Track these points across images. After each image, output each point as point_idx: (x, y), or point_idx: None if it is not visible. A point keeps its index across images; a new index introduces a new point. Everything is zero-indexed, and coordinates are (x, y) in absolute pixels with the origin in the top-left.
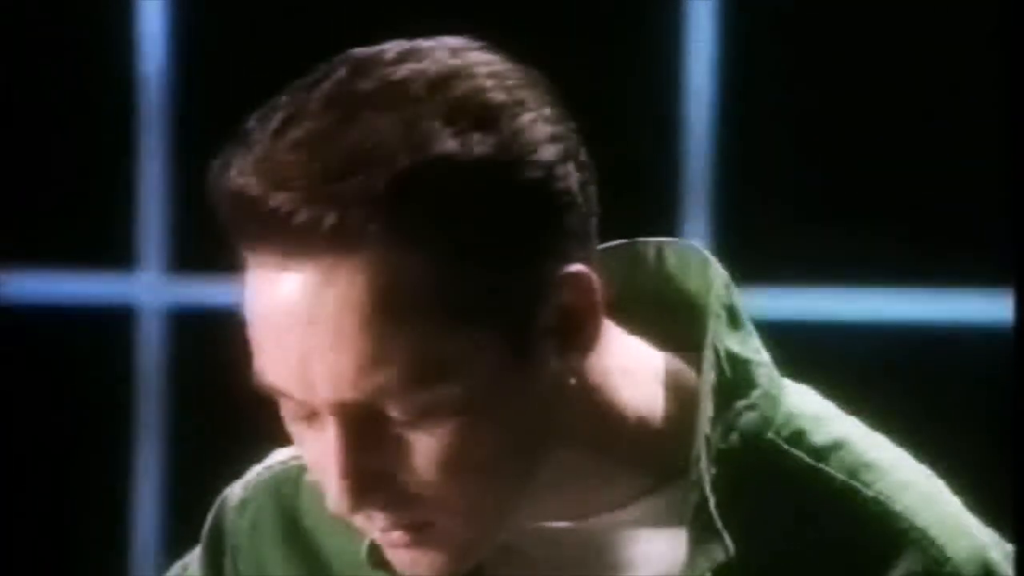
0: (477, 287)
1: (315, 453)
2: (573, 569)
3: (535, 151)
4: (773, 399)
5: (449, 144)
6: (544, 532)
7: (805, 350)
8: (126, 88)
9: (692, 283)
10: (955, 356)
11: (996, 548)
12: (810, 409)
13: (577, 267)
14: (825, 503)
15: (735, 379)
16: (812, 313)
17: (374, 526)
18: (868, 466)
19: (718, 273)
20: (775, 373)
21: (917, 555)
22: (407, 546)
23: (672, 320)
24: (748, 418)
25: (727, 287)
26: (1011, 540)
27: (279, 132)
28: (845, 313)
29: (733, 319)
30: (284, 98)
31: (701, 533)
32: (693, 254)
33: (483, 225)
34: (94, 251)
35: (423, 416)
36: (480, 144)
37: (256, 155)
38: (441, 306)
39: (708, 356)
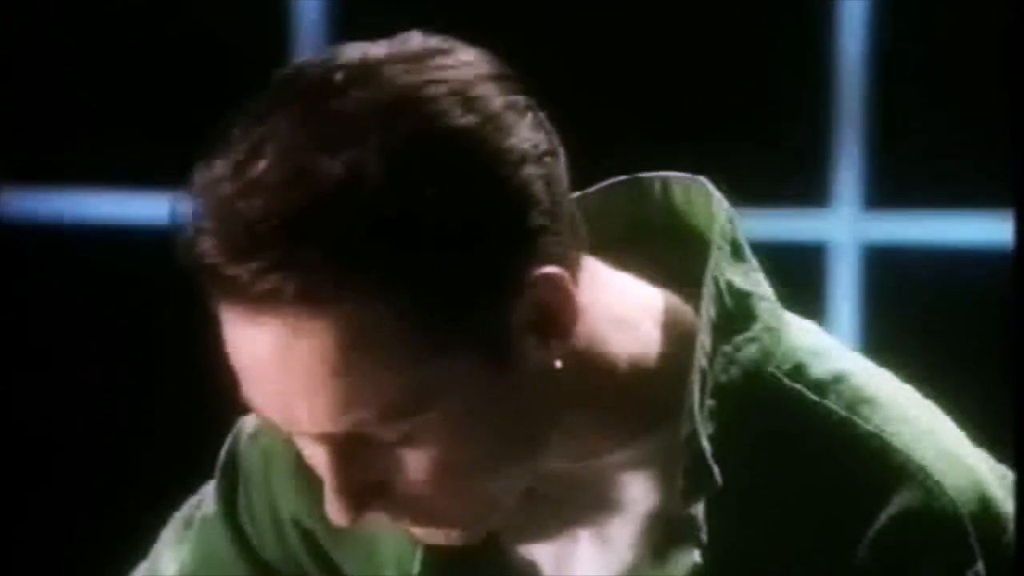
0: (445, 320)
1: (314, 462)
2: (576, 506)
3: (487, 174)
4: (775, 333)
5: (397, 192)
6: (549, 474)
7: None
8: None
9: (697, 217)
10: (955, 279)
11: (996, 482)
12: (811, 344)
13: (544, 270)
14: (823, 437)
15: (736, 311)
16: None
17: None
18: (867, 400)
19: (722, 207)
20: (777, 307)
21: (914, 489)
22: (414, 529)
23: (677, 254)
24: (749, 351)
25: (731, 220)
26: (1010, 466)
27: (236, 175)
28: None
29: (736, 252)
30: (237, 134)
31: (692, 464)
32: (698, 188)
33: (439, 264)
34: (791, 189)
35: (409, 438)
36: (428, 185)
37: (213, 211)
38: (411, 345)
39: (708, 288)
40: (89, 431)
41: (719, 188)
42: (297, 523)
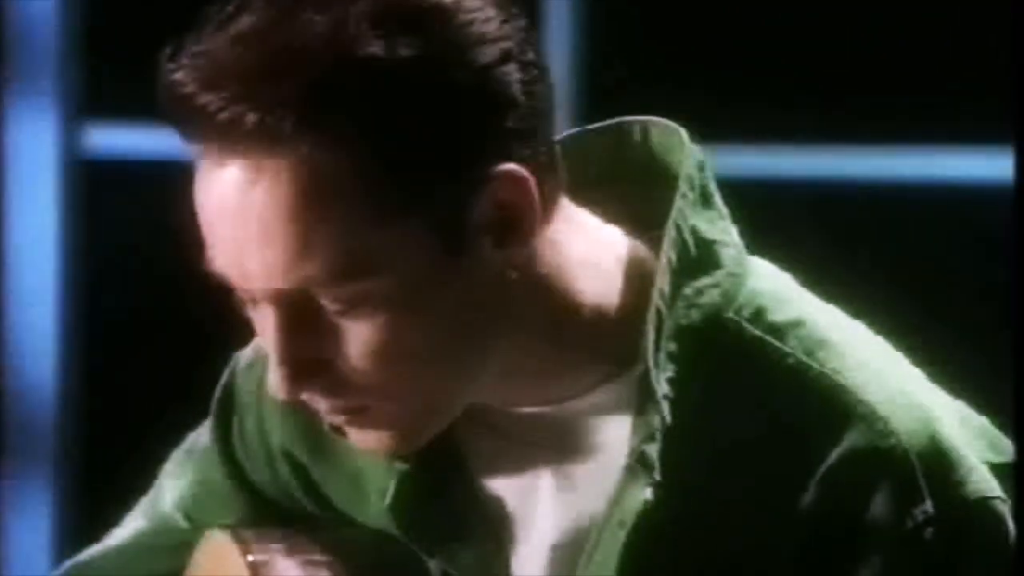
0: (402, 187)
1: (263, 336)
2: (547, 451)
3: (466, 54)
4: (736, 278)
5: (373, 47)
6: (518, 416)
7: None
8: None
9: (673, 163)
10: (955, 215)
11: (951, 423)
12: (773, 289)
13: (510, 166)
14: (779, 379)
15: (699, 257)
16: (811, 172)
17: (319, 409)
18: (823, 343)
19: (692, 153)
20: (743, 255)
21: (862, 428)
22: (349, 426)
23: (652, 198)
24: (710, 295)
25: (700, 168)
26: (1012, 399)
27: (222, 25)
28: (845, 172)
29: (705, 199)
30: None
31: (642, 403)
32: (673, 133)
33: (406, 128)
34: None
35: (354, 306)
36: (405, 47)
37: (197, 49)
38: (365, 204)
39: (669, 233)
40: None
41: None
42: (288, 453)
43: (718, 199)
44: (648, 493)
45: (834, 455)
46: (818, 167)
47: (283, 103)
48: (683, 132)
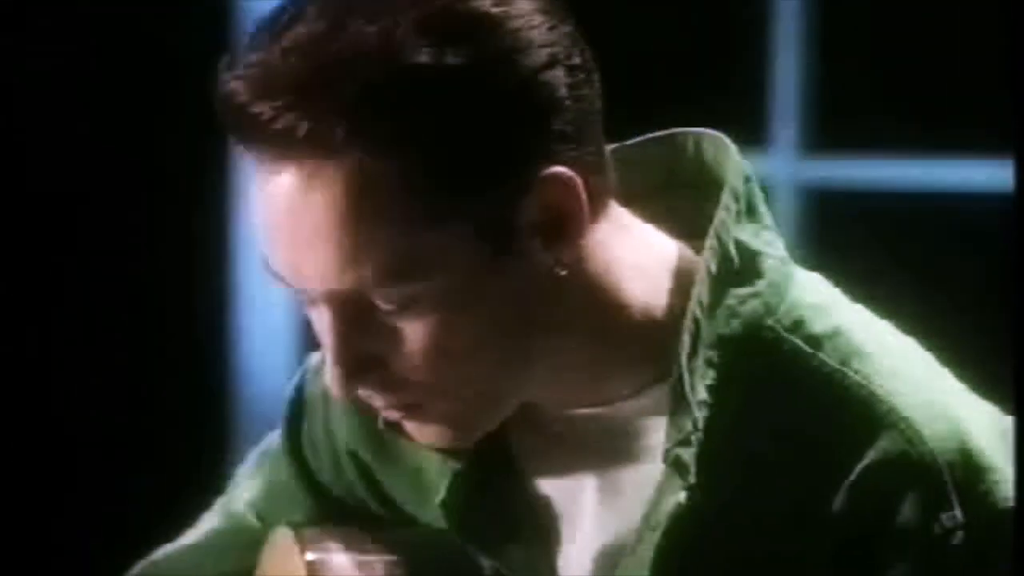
0: (450, 191)
1: (320, 336)
2: (595, 453)
3: (513, 60)
4: (778, 289)
5: (421, 56)
6: (568, 417)
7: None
8: None
9: (724, 174)
10: (955, 224)
11: (986, 435)
12: (814, 299)
13: (557, 169)
14: (814, 387)
15: (742, 268)
16: (817, 181)
17: (375, 405)
18: (860, 354)
19: (739, 165)
20: (787, 266)
21: (894, 436)
22: (405, 421)
23: (701, 209)
24: (751, 305)
25: (746, 180)
26: (1014, 401)
27: (276, 36)
28: (848, 180)
29: (750, 211)
30: (287, 8)
31: (676, 408)
32: (724, 145)
33: (454, 134)
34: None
35: (406, 307)
36: (453, 55)
37: (251, 59)
38: (414, 208)
39: (709, 244)
40: None
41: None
42: (352, 454)
43: (764, 211)
44: (682, 496)
45: (864, 461)
46: (818, 176)
47: (334, 111)
48: (731, 145)
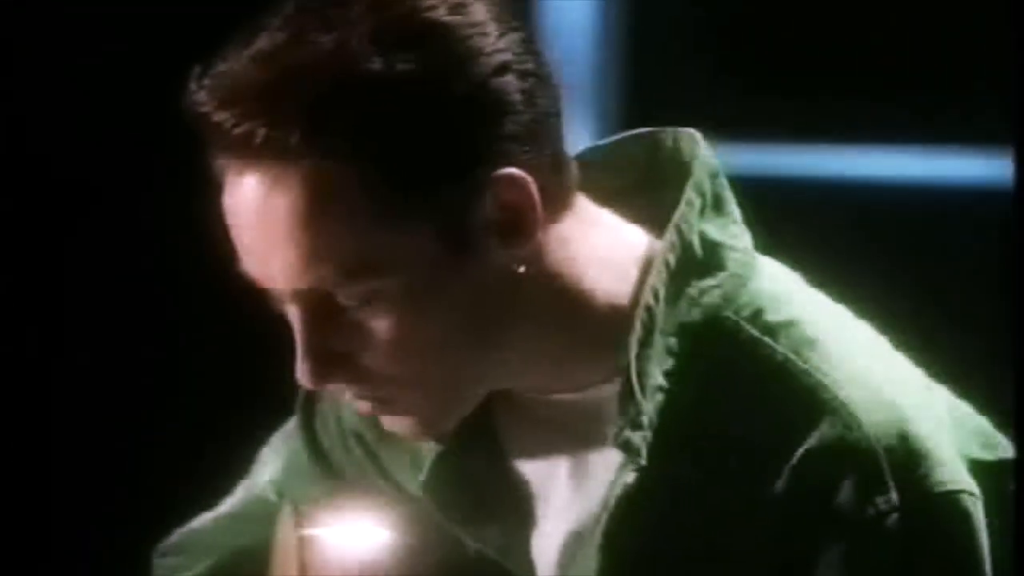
0: (404, 193)
1: (294, 330)
2: (568, 436)
3: (463, 67)
4: (740, 280)
5: (373, 64)
6: (546, 402)
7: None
8: None
9: (697, 169)
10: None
11: (927, 421)
12: (775, 290)
13: (510, 170)
14: (767, 375)
15: (705, 260)
16: (812, 172)
17: (346, 398)
18: (812, 343)
19: (705, 160)
20: (750, 258)
21: (835, 423)
22: (377, 413)
23: (673, 202)
24: (711, 296)
25: (713, 176)
26: (1012, 393)
27: (241, 47)
28: (844, 172)
29: (717, 206)
30: (269, 14)
31: (623, 392)
32: (696, 143)
33: (406, 138)
34: None
35: (368, 302)
36: (404, 63)
37: (218, 69)
38: (370, 210)
39: (668, 237)
40: None
41: None
42: (359, 436)
43: (732, 205)
44: (630, 478)
45: (807, 445)
46: (815, 168)
47: (291, 118)
48: (701, 141)
